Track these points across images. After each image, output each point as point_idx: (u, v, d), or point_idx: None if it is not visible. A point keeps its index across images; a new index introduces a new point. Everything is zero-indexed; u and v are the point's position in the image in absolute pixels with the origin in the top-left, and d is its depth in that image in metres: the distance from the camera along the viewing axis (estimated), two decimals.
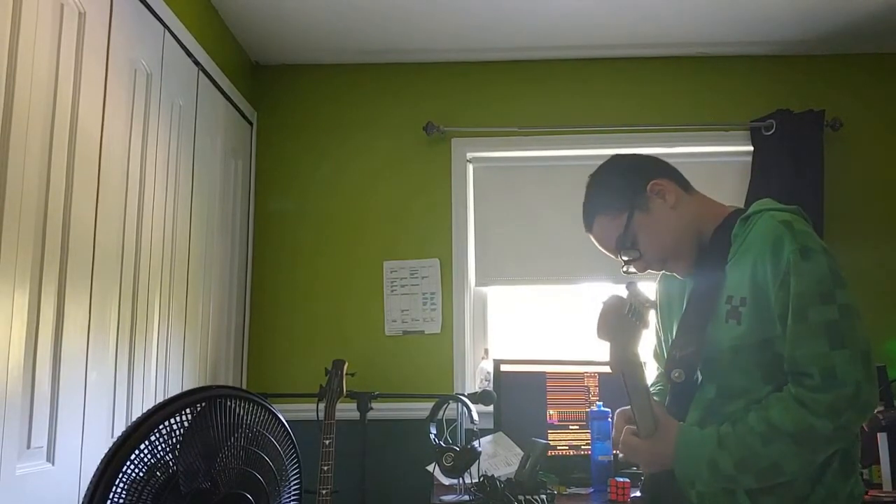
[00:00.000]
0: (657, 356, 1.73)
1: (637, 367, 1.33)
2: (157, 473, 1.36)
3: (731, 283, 1.36)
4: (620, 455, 1.48)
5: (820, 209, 2.96)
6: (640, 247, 1.47)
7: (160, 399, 2.10)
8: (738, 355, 1.33)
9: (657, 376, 1.74)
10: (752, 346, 1.31)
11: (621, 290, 1.34)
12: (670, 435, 1.34)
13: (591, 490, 2.35)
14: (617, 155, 1.58)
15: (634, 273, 1.52)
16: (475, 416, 2.36)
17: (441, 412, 2.46)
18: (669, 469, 1.36)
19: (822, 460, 1.28)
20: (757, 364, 1.32)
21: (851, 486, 1.31)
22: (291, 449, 1.64)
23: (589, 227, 1.54)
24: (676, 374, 1.39)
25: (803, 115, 3.02)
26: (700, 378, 1.40)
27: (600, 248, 1.55)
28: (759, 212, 1.37)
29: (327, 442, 2.37)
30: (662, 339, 1.66)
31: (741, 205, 2.96)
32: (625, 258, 1.49)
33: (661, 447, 1.34)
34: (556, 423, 2.64)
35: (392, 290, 3.10)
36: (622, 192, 1.48)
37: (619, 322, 1.30)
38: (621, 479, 2.22)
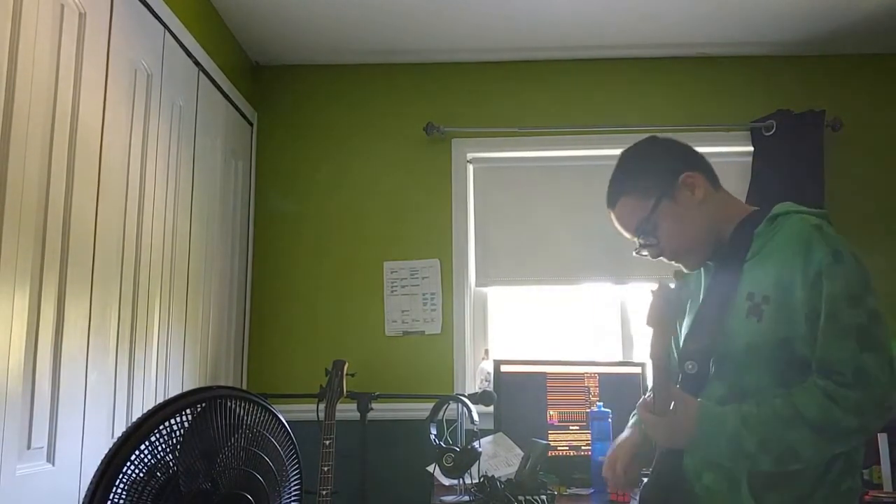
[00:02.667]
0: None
1: (669, 354, 1.40)
2: (158, 474, 1.36)
3: (752, 280, 1.37)
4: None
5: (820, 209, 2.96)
6: (660, 235, 1.48)
7: (160, 399, 2.10)
8: (754, 352, 1.34)
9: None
10: (771, 345, 1.32)
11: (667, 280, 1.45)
12: (691, 411, 1.33)
13: (592, 491, 2.35)
14: (654, 137, 1.57)
15: (646, 256, 1.53)
16: (475, 417, 2.36)
17: (441, 413, 2.46)
18: (679, 461, 1.37)
19: (828, 461, 1.30)
20: (772, 363, 1.32)
21: (850, 484, 1.34)
22: (292, 449, 1.63)
23: (612, 205, 1.54)
24: (690, 366, 1.41)
25: (803, 116, 3.02)
26: (712, 373, 1.41)
27: (618, 226, 1.55)
28: (787, 213, 1.39)
29: (327, 442, 2.37)
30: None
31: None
32: (641, 241, 1.50)
33: (681, 422, 1.34)
34: (556, 423, 2.64)
35: (392, 291, 3.10)
36: (654, 177, 1.48)
37: (668, 311, 1.38)
38: None
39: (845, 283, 1.27)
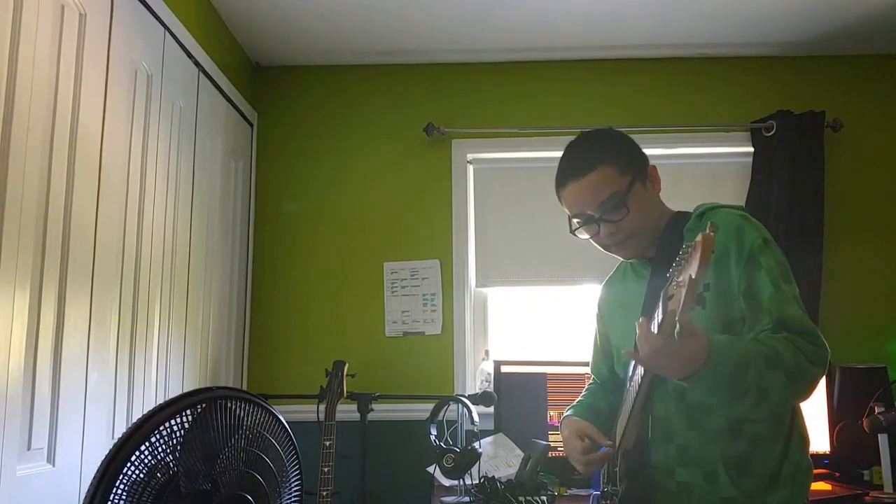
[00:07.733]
0: (599, 359, 1.76)
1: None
2: (158, 475, 1.36)
3: None
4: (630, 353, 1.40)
5: (820, 210, 2.96)
6: (624, 213, 1.48)
7: (161, 400, 2.10)
8: None
9: (590, 384, 1.82)
10: (716, 330, 1.34)
11: None
12: (700, 339, 1.24)
13: (592, 491, 2.35)
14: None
15: (585, 237, 1.57)
16: (475, 417, 2.36)
17: (441, 413, 2.46)
18: (646, 459, 1.41)
19: (786, 439, 1.39)
20: None
21: (807, 462, 1.43)
22: (292, 450, 1.63)
23: (584, 172, 1.51)
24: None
25: (804, 116, 3.02)
26: None
27: (579, 198, 1.52)
28: (713, 208, 1.50)
29: (328, 443, 2.37)
30: (610, 341, 1.70)
31: (742, 206, 2.93)
32: (606, 217, 1.49)
33: (691, 348, 1.23)
34: (556, 423, 2.64)
35: (392, 291, 3.10)
36: (634, 157, 1.54)
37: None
38: None
39: (777, 263, 1.38)
